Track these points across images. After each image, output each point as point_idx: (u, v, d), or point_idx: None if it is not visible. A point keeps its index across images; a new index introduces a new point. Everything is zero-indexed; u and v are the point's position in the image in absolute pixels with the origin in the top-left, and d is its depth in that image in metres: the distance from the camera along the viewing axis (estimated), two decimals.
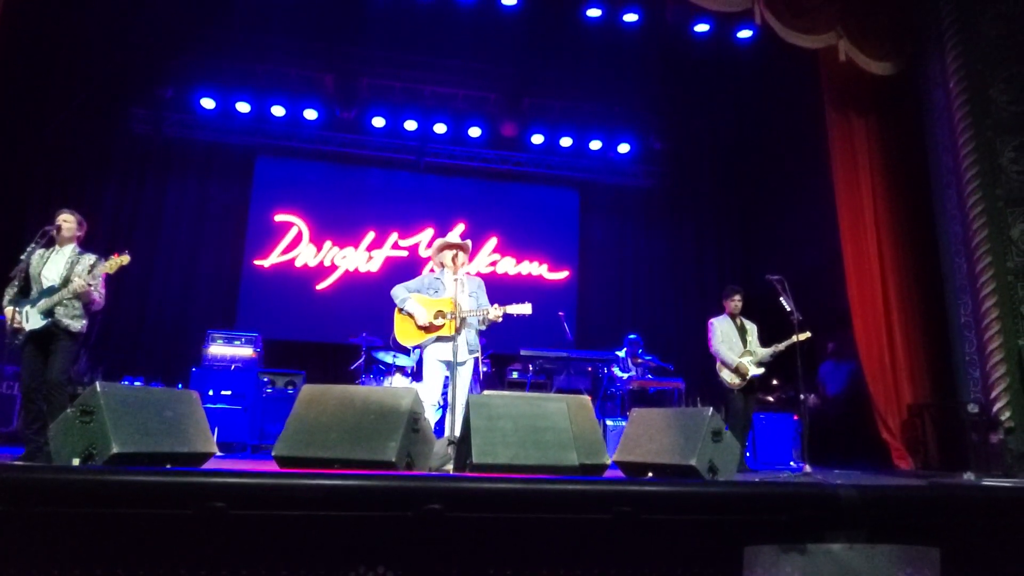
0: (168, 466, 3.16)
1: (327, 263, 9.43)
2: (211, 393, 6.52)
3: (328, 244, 9.47)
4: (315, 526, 0.58)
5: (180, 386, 6.74)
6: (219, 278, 9.11)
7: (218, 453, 5.69)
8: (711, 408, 3.94)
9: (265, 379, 6.93)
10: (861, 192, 7.05)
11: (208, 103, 9.20)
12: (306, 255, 9.37)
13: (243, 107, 9.28)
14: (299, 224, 9.44)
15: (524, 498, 0.60)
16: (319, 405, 3.20)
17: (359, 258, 9.53)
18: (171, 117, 9.25)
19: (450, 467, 3.31)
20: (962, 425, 5.81)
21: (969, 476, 5.13)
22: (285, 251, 9.33)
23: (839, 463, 6.68)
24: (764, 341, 6.01)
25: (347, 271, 9.46)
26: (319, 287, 9.34)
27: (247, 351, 7.02)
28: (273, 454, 3.11)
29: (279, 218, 9.39)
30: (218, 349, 6.96)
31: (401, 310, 4.69)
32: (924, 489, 0.75)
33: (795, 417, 7.49)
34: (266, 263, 9.22)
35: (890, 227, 6.96)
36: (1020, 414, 5.24)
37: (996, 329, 5.48)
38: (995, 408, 5.40)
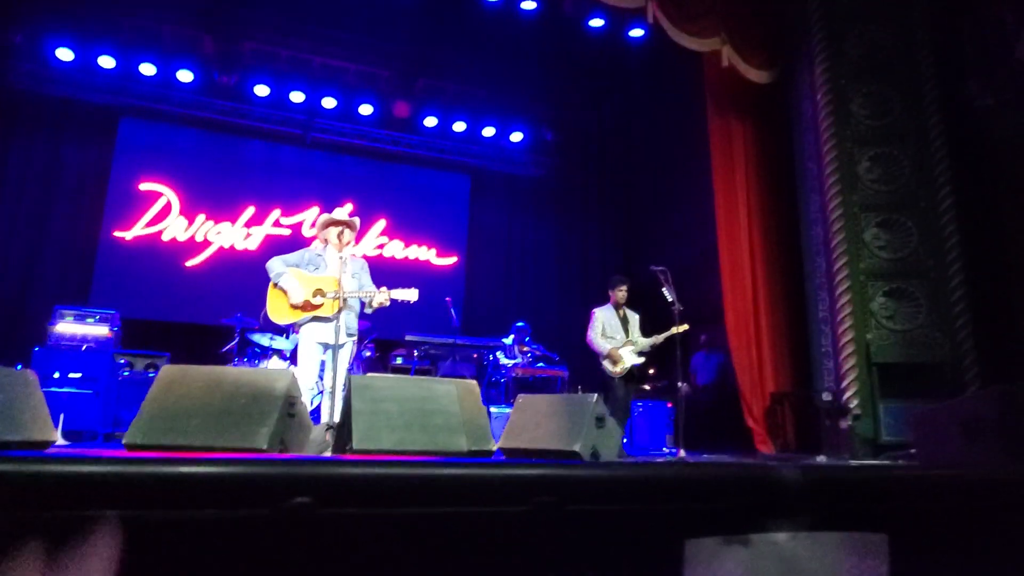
0: None
1: (199, 238, 8.76)
2: (57, 376, 5.86)
3: (201, 218, 8.79)
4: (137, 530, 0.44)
5: (20, 367, 6.00)
6: (72, 250, 8.22)
7: (60, 442, 5.12)
8: (596, 394, 4.00)
9: (122, 361, 6.31)
10: (737, 192, 7.46)
11: (65, 54, 8.23)
12: (175, 228, 8.66)
13: (107, 62, 8.39)
14: (168, 195, 8.69)
15: (419, 487, 0.50)
16: (181, 387, 2.90)
17: (236, 234, 8.93)
18: (20, 67, 8.20)
19: (328, 455, 3.13)
20: (816, 412, 6.31)
21: (822, 459, 5.57)
22: (151, 223, 8.56)
23: (708, 448, 7.06)
24: (645, 332, 6.22)
25: (222, 248, 8.84)
26: (189, 264, 8.66)
27: (101, 330, 6.36)
28: (124, 442, 2.79)
29: (145, 187, 8.60)
30: (67, 327, 6.25)
31: (276, 284, 4.39)
32: (869, 471, 0.73)
33: (669, 405, 7.84)
34: (128, 235, 8.42)
35: (761, 227, 7.42)
36: (866, 402, 5.75)
37: (848, 324, 5.98)
38: (845, 396, 5.90)
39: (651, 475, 0.63)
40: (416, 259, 9.87)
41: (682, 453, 5.20)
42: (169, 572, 0.44)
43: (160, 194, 8.65)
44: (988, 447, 1.34)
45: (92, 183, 8.43)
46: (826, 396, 6.06)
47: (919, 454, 1.65)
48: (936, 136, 6.01)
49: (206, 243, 8.78)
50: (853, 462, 2.73)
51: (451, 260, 10.09)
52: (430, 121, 9.97)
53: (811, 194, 6.72)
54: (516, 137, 10.51)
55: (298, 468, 0.54)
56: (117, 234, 8.37)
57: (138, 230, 8.47)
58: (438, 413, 2.25)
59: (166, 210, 8.64)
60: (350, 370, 4.65)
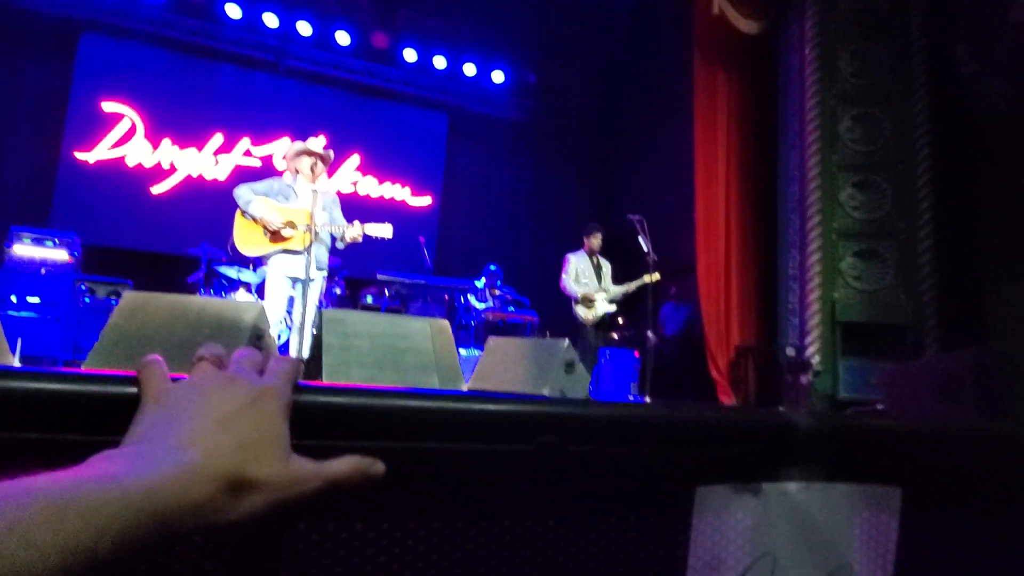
0: None
1: (165, 164, 8.45)
2: (14, 299, 5.68)
3: (167, 143, 8.47)
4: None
5: None
6: (31, 170, 7.88)
7: (16, 366, 5.00)
8: (566, 340, 4.02)
9: (83, 287, 6.14)
10: (717, 145, 7.41)
11: None
12: (140, 153, 8.33)
13: None
14: (132, 116, 8.32)
15: (414, 420, 0.48)
16: (144, 315, 2.82)
17: (204, 162, 8.64)
18: None
19: None
20: (778, 366, 6.45)
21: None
22: (115, 146, 8.22)
23: (671, 396, 7.22)
24: (617, 280, 6.25)
25: (189, 175, 8.55)
26: (155, 190, 8.38)
27: (61, 254, 6.16)
28: (83, 368, 2.72)
29: (108, 107, 8.21)
30: (24, 249, 6.03)
31: (244, 213, 4.26)
32: (887, 423, 0.72)
33: (636, 354, 7.97)
34: (90, 157, 8.08)
35: (739, 181, 7.41)
36: (828, 359, 5.89)
37: (817, 282, 6.06)
38: (808, 353, 6.03)
39: (660, 416, 0.60)
40: (391, 198, 9.69)
41: (647, 401, 5.29)
42: None
43: (123, 115, 8.28)
44: (962, 407, 1.36)
45: (52, 101, 8.03)
46: (789, 351, 6.19)
47: (887, 412, 1.68)
48: (919, 99, 5.99)
49: (172, 170, 8.48)
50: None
51: (426, 200, 9.94)
52: (409, 55, 9.63)
53: (791, 151, 6.69)
54: (498, 77, 10.24)
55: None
56: (79, 155, 8.03)
57: (101, 152, 8.13)
58: (410, 351, 2.22)
59: (130, 133, 8.29)
60: (319, 306, 4.58)
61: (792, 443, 0.63)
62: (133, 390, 0.47)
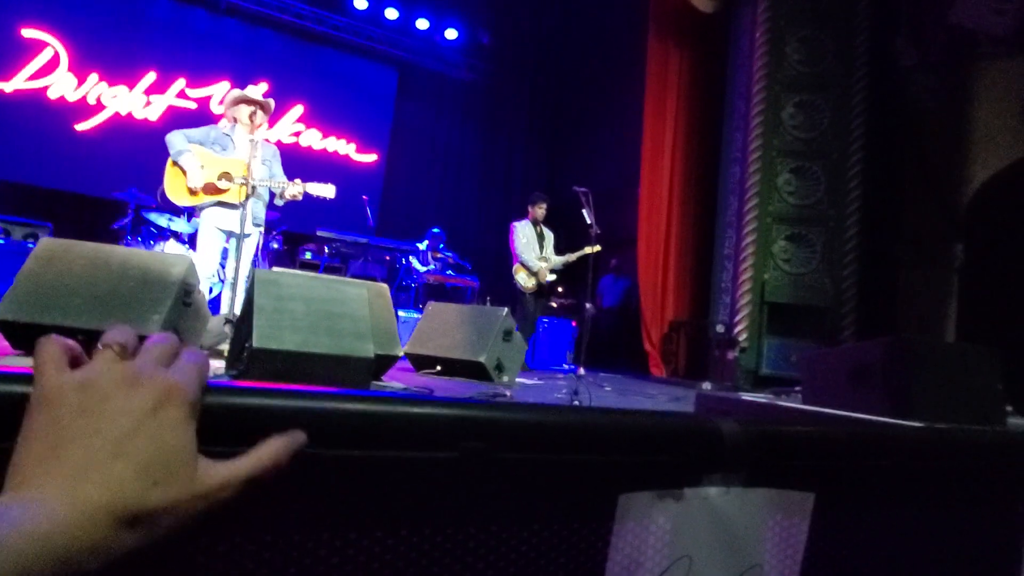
0: None
1: (92, 100, 7.95)
2: None
3: (94, 77, 7.95)
4: None
5: None
6: None
7: None
8: (506, 308, 4.05)
9: None
10: (666, 121, 7.49)
11: None
12: (63, 86, 7.79)
13: None
14: (55, 45, 7.76)
15: (329, 422, 0.46)
16: (62, 263, 2.67)
17: (135, 101, 8.16)
18: None
19: (225, 347, 3.02)
20: (708, 342, 6.69)
21: (707, 386, 5.96)
22: (35, 76, 7.66)
23: (605, 367, 7.40)
24: (558, 250, 6.31)
25: (118, 114, 8.07)
26: (79, 127, 7.88)
27: None
28: None
29: (28, 33, 7.62)
30: None
31: (175, 162, 4.06)
32: (808, 428, 0.74)
33: (573, 324, 8.10)
34: (7, 87, 7.51)
35: (684, 158, 7.53)
36: (754, 337, 6.14)
37: (750, 263, 6.27)
38: (736, 330, 6.26)
39: (587, 422, 0.61)
40: (335, 152, 9.42)
41: (582, 371, 5.41)
42: None
43: (46, 44, 7.71)
44: (871, 392, 1.45)
45: None
46: (719, 328, 6.42)
47: (805, 393, 1.77)
48: (859, 90, 6.19)
49: (99, 107, 7.98)
50: (742, 394, 2.92)
51: (371, 157, 9.71)
52: (360, 2, 9.28)
53: (735, 132, 6.83)
54: (451, 34, 10.00)
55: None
56: None
57: (19, 82, 7.57)
58: (346, 317, 2.18)
59: (53, 63, 7.74)
60: (254, 262, 4.45)
61: (717, 450, 0.65)
62: (27, 390, 0.43)
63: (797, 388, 2.25)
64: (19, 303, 2.59)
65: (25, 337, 2.57)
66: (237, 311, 3.32)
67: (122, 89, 8.08)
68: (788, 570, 0.70)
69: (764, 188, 6.33)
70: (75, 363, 0.45)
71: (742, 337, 6.17)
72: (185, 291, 2.81)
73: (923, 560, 0.81)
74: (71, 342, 0.46)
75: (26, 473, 0.39)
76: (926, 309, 5.89)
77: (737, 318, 6.35)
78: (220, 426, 0.47)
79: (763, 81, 6.47)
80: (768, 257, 6.24)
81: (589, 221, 5.53)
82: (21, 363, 2.33)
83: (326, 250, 7.11)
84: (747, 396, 2.24)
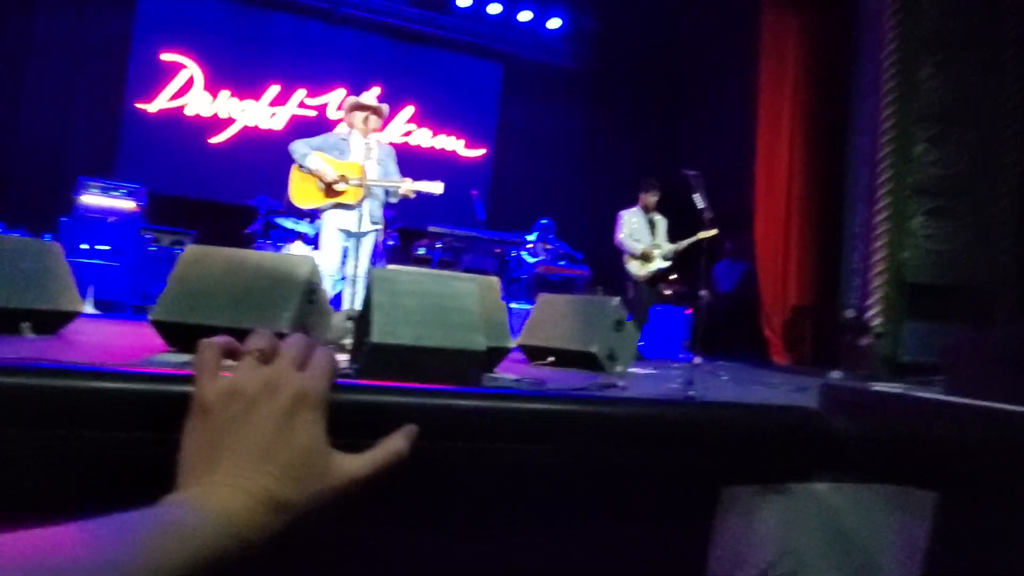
0: (26, 324, 2.83)
1: (223, 115, 8.60)
2: (85, 247, 5.95)
3: (225, 94, 8.59)
4: None
5: (50, 237, 6.09)
6: (97, 121, 8.14)
7: (90, 311, 5.27)
8: (617, 298, 3.97)
9: (149, 236, 6.38)
10: (783, 93, 7.05)
11: None
12: (199, 104, 8.48)
13: None
14: (191, 67, 8.46)
15: (429, 416, 0.47)
16: (204, 267, 2.91)
17: (261, 113, 8.75)
18: None
19: (347, 341, 3.17)
20: (837, 328, 6.24)
21: (837, 374, 5.57)
22: (174, 96, 8.40)
23: (722, 355, 7.10)
24: (671, 237, 6.11)
25: (246, 126, 8.69)
26: (213, 141, 8.56)
27: (128, 204, 6.39)
28: (151, 318, 2.84)
29: (166, 57, 8.36)
30: (93, 199, 6.28)
31: (301, 167, 4.30)
32: (926, 426, 0.67)
33: (688, 311, 7.83)
34: (151, 107, 8.28)
35: (805, 133, 7.06)
36: (890, 322, 5.66)
37: (884, 241, 5.77)
38: (869, 314, 5.80)
39: (688, 418, 0.57)
40: (443, 149, 9.65)
41: (698, 360, 5.22)
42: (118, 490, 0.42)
43: (183, 66, 8.42)
44: None
45: (115, 53, 8.21)
46: (850, 313, 5.97)
47: (949, 384, 1.58)
48: (1011, 43, 5.52)
49: (230, 120, 8.63)
50: (875, 384, 2.68)
51: (479, 152, 9.86)
52: (463, 1, 9.41)
53: (865, 99, 6.29)
54: (554, 23, 9.93)
55: None
56: (140, 106, 8.24)
57: (162, 103, 8.32)
58: (457, 311, 2.22)
59: (189, 84, 8.44)
60: (373, 259, 4.64)
61: (826, 447, 0.59)
62: (184, 389, 0.50)
63: (940, 377, 2.02)
64: (170, 305, 2.85)
65: (177, 334, 2.82)
66: (358, 306, 3.47)
67: (249, 103, 8.68)
68: (909, 573, 0.62)
69: (899, 157, 5.80)
70: (233, 355, 0.53)
71: (876, 322, 5.70)
72: (310, 290, 2.97)
73: None
74: (226, 340, 0.54)
75: (194, 473, 0.47)
76: None
77: (870, 302, 5.87)
78: (345, 420, 0.52)
79: (896, 41, 5.91)
80: (905, 234, 5.72)
81: (701, 205, 5.31)
82: (175, 359, 2.55)
83: (438, 245, 7.29)
84: (880, 386, 2.05)
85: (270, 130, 8.74)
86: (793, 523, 0.57)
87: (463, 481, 0.52)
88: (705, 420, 0.59)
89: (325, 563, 0.51)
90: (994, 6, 5.60)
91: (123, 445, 0.48)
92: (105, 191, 6.36)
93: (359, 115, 4.42)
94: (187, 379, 0.50)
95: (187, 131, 8.42)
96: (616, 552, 0.57)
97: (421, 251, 7.47)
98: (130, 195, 6.45)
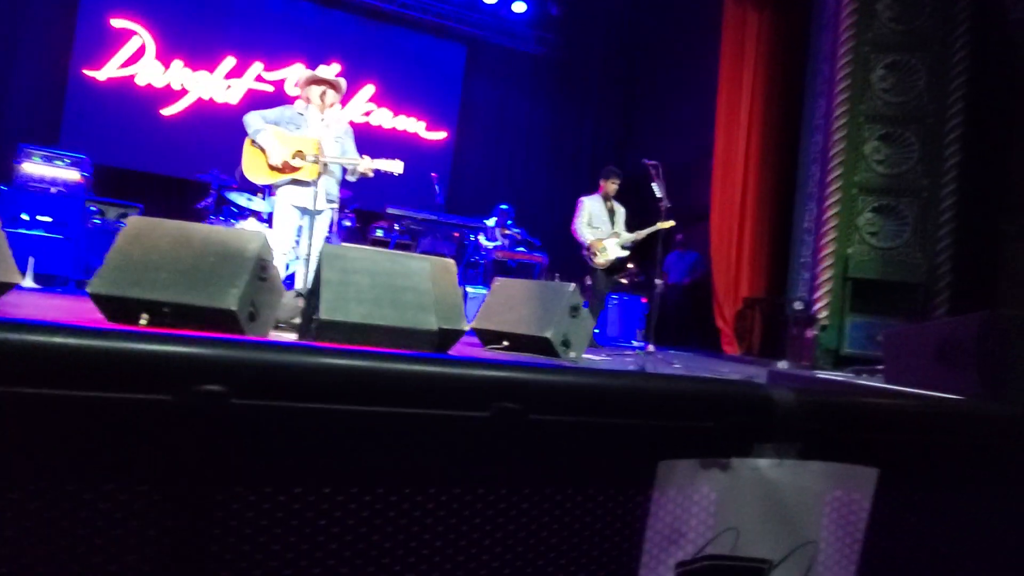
0: None
1: (176, 86, 8.31)
2: (25, 218, 5.70)
3: (178, 64, 8.30)
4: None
5: None
6: (41, 87, 7.77)
7: (27, 284, 5.06)
8: (573, 284, 4.00)
9: (94, 208, 6.14)
10: (742, 89, 7.17)
11: None
12: (150, 73, 8.18)
13: None
14: (142, 34, 8.13)
15: (369, 381, 0.45)
16: (149, 240, 2.82)
17: (215, 85, 8.49)
18: None
19: (299, 320, 3.11)
20: (784, 319, 6.42)
21: (783, 364, 5.74)
22: (125, 64, 8.07)
23: (675, 345, 7.24)
24: (629, 226, 6.17)
25: (200, 99, 8.42)
26: (165, 112, 8.27)
27: (72, 174, 6.13)
28: (89, 291, 2.74)
29: (116, 23, 8.03)
30: (35, 168, 6.01)
31: (254, 142, 4.19)
32: (868, 400, 0.68)
33: (644, 300, 7.95)
34: (100, 75, 7.95)
35: (761, 128, 7.20)
36: (835, 315, 5.85)
37: (832, 236, 5.95)
38: (816, 307, 5.98)
39: (626, 386, 0.57)
40: (404, 130, 9.53)
41: (651, 348, 5.30)
42: (57, 453, 0.39)
43: (133, 32, 8.09)
44: (962, 372, 1.33)
45: (61, 15, 7.84)
46: (798, 305, 6.14)
47: (887, 372, 1.65)
48: (960, 48, 5.70)
49: (183, 92, 8.34)
50: (819, 372, 2.78)
51: (440, 135, 9.76)
52: None
53: (818, 98, 6.46)
54: (519, 7, 9.87)
55: (206, 349, 0.47)
56: (88, 72, 7.90)
57: (111, 70, 8.00)
58: (409, 290, 2.20)
59: (140, 52, 8.13)
60: (328, 239, 4.56)
61: (768, 419, 0.60)
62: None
63: (880, 367, 2.10)
64: (110, 278, 2.75)
65: (117, 309, 2.73)
66: (310, 285, 3.41)
67: (204, 74, 8.41)
68: (847, 548, 0.64)
69: (850, 156, 5.97)
70: None
71: (822, 315, 5.89)
72: (261, 267, 2.91)
73: (1004, 549, 0.73)
74: None
75: None
76: None
77: (817, 295, 6.05)
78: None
79: (851, 42, 6.06)
80: (853, 230, 5.90)
81: (659, 195, 5.38)
82: None
83: (396, 227, 7.22)
84: (824, 375, 2.12)
85: (225, 104, 8.49)
86: (733, 499, 0.58)
87: (381, 445, 0.51)
88: (651, 388, 0.59)
89: None
90: (945, 11, 5.79)
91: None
92: (48, 160, 6.08)
93: (316, 89, 4.32)
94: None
95: (137, 101, 8.11)
96: (546, 522, 0.57)
97: (379, 233, 7.38)
98: (75, 165, 6.18)
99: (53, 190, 5.99)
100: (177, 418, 0.46)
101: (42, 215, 5.81)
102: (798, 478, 0.61)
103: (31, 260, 5.45)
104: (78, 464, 0.48)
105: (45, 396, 0.46)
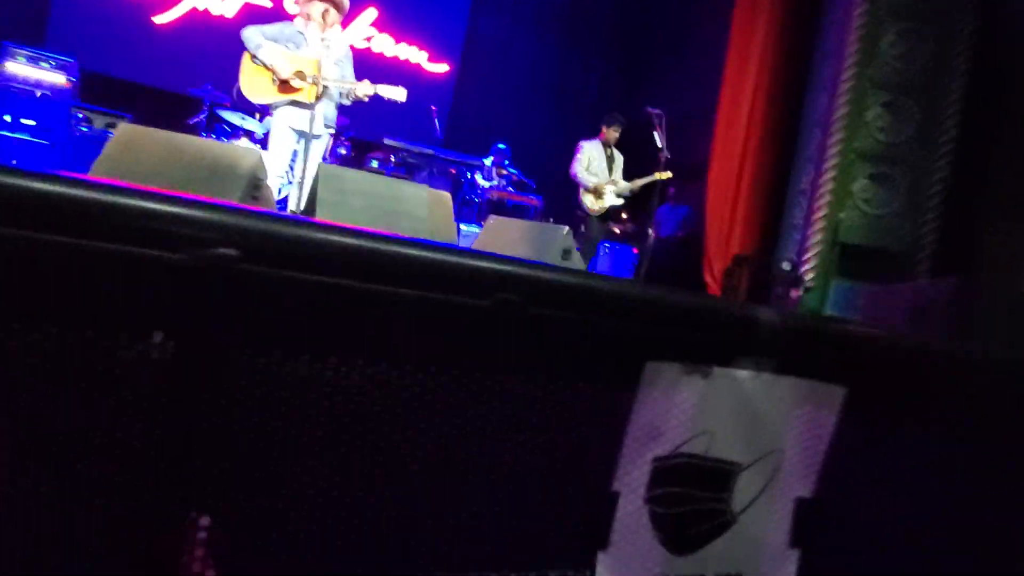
0: None
1: None
2: (8, 119, 5.55)
3: None
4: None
5: None
6: None
7: None
8: (567, 227, 4.01)
9: (80, 115, 5.99)
10: (752, 47, 7.04)
11: None
12: None
13: None
14: None
15: (376, 260, 0.47)
16: (138, 149, 2.77)
17: None
18: None
19: None
20: (772, 279, 6.50)
21: None
22: None
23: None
24: (627, 175, 6.15)
25: (195, 8, 8.12)
26: (158, 20, 7.98)
27: (58, 78, 5.94)
28: None
29: None
30: (19, 68, 5.81)
31: (254, 58, 4.07)
32: (846, 327, 0.72)
33: (635, 250, 7.98)
34: None
35: (768, 89, 7.09)
36: (821, 277, 5.92)
37: (826, 200, 5.96)
38: (803, 269, 6.05)
39: (624, 290, 0.60)
40: (406, 60, 9.28)
41: None
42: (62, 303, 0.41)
43: None
44: (933, 330, 1.38)
45: None
46: (786, 265, 6.21)
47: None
48: (970, 21, 5.61)
49: None
50: None
51: (442, 68, 9.53)
52: None
53: (826, 60, 6.36)
54: None
55: (222, 216, 0.49)
56: None
57: None
58: (404, 215, 2.20)
59: None
60: (323, 163, 4.51)
61: (752, 335, 0.63)
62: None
63: None
64: None
65: None
66: (303, 207, 3.39)
67: None
68: (811, 460, 0.69)
69: (852, 121, 5.93)
70: None
71: (809, 276, 5.96)
72: (255, 184, 2.88)
73: (953, 478, 0.79)
74: None
75: None
76: (1010, 266, 5.52)
77: (806, 256, 6.12)
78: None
79: (864, 5, 5.94)
80: (847, 196, 5.92)
81: (660, 145, 5.35)
82: None
83: (392, 159, 7.13)
84: None
85: (220, 16, 8.20)
86: (711, 404, 0.62)
87: (385, 323, 0.54)
88: (648, 295, 0.62)
89: None
90: None
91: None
92: (33, 61, 5.88)
93: (318, 6, 4.19)
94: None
95: (129, 5, 7.81)
96: (537, 410, 0.60)
97: (374, 163, 7.29)
98: (61, 68, 5.99)
99: (38, 93, 5.81)
100: (191, 276, 0.48)
101: (26, 118, 5.67)
102: (772, 391, 0.65)
103: (13, 163, 5.35)
104: (100, 312, 0.50)
105: (70, 244, 0.47)
